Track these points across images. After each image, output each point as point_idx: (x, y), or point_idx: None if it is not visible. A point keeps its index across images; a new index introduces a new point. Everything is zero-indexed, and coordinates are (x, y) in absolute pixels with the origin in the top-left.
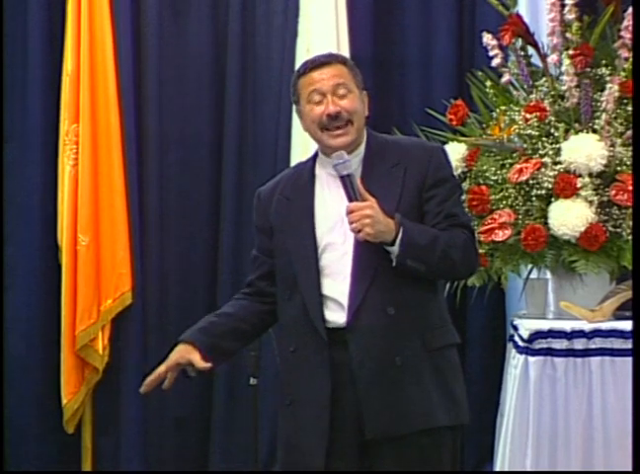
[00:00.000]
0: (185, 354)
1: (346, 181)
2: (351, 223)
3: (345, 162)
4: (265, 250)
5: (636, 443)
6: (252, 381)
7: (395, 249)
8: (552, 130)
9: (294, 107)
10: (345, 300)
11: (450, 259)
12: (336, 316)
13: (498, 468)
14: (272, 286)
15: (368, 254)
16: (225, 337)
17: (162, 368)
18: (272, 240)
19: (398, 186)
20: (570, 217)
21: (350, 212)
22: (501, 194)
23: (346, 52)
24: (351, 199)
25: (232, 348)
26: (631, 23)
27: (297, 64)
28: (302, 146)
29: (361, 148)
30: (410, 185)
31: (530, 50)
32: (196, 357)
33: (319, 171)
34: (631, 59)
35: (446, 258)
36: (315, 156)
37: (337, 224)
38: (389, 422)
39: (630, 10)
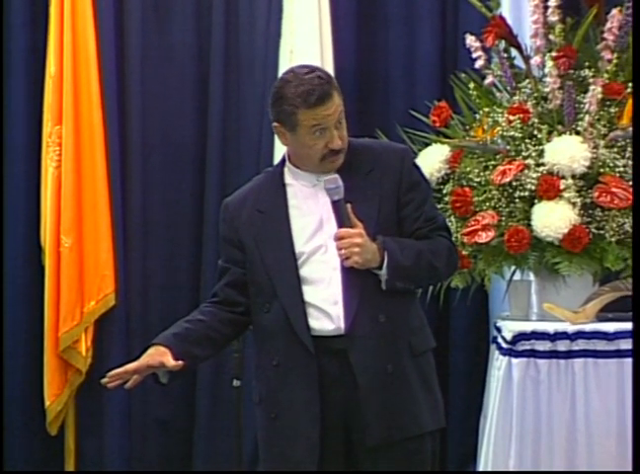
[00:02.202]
0: (157, 356)
1: (338, 205)
2: (339, 249)
3: (338, 187)
4: (234, 261)
5: (636, 443)
6: (235, 383)
7: (383, 273)
8: (535, 132)
9: (278, 126)
10: (329, 307)
11: (435, 269)
12: (321, 323)
13: (481, 469)
14: (241, 296)
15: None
16: (199, 344)
17: (132, 366)
18: (243, 253)
19: (376, 193)
20: (553, 219)
21: (339, 239)
22: (484, 195)
23: (329, 54)
24: (341, 225)
25: (204, 355)
26: (615, 25)
27: (281, 66)
28: (285, 149)
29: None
30: (387, 190)
31: (514, 52)
32: (168, 360)
33: (290, 180)
34: (614, 61)
35: (432, 269)
36: (282, 165)
37: (316, 233)
38: (388, 429)
39: (613, 12)
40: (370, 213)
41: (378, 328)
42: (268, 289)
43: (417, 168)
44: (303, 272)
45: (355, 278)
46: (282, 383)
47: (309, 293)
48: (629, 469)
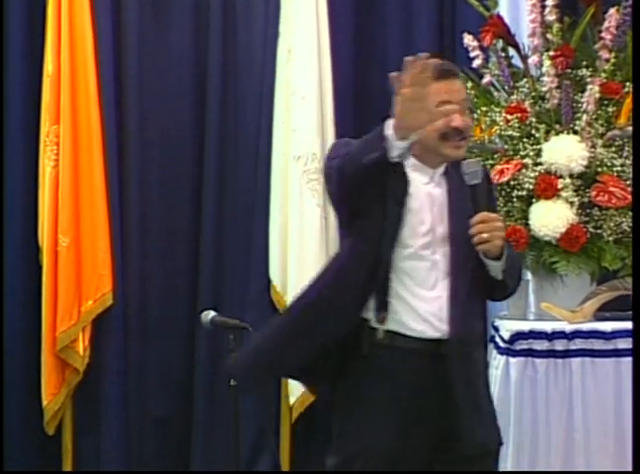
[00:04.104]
0: None
1: (478, 189)
2: (479, 233)
3: (478, 171)
4: None
5: (636, 443)
6: (233, 382)
7: (500, 264)
8: (533, 131)
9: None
10: (430, 310)
11: (520, 277)
12: (423, 326)
13: None
14: None
15: (463, 265)
16: None
17: None
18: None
19: (485, 197)
20: (551, 218)
21: (480, 222)
22: None
23: (326, 53)
24: (477, 209)
25: None
26: (612, 24)
27: (279, 65)
28: (283, 146)
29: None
30: (480, 198)
31: (511, 51)
32: None
33: (413, 175)
34: (612, 60)
35: (519, 276)
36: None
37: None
38: (482, 438)
39: (611, 11)
40: (469, 217)
41: (473, 335)
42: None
43: None
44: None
45: (463, 282)
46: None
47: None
48: (627, 469)
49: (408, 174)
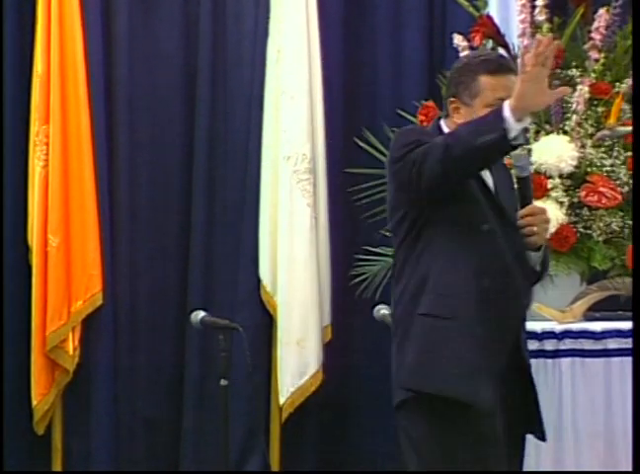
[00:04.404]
0: None
1: (526, 182)
2: (530, 225)
3: (527, 164)
4: None
5: (636, 443)
6: (222, 382)
7: (540, 254)
8: None
9: (453, 101)
10: None
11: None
12: None
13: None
14: None
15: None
16: None
17: None
18: None
19: (514, 191)
20: None
21: (531, 214)
22: None
23: (316, 54)
24: (526, 201)
25: None
26: (602, 24)
27: (268, 65)
28: (273, 146)
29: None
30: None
31: (501, 52)
32: None
33: None
34: (602, 61)
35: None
36: None
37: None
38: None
39: (600, 11)
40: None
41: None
42: None
43: None
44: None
45: (524, 269)
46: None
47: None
48: (620, 469)
49: None
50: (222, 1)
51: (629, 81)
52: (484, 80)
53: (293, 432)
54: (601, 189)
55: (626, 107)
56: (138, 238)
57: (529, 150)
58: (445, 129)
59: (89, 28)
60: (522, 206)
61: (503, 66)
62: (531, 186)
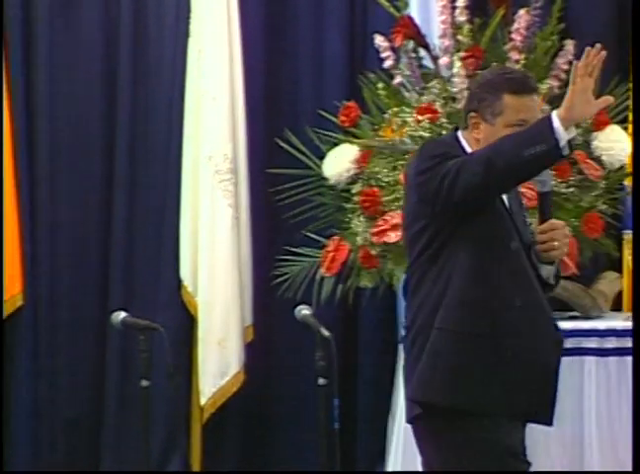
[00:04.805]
0: None
1: (546, 197)
2: (551, 241)
3: (548, 179)
4: None
5: (636, 443)
6: (143, 383)
7: (554, 268)
8: (444, 132)
9: (475, 116)
10: None
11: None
12: None
13: (390, 469)
14: None
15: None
16: None
17: None
18: None
19: (523, 206)
20: None
21: (552, 229)
22: (393, 195)
23: (238, 54)
24: (546, 217)
25: None
26: (522, 25)
27: (189, 65)
28: (194, 146)
29: None
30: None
31: (422, 52)
32: None
33: None
34: (522, 61)
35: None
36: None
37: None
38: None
39: (520, 12)
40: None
41: None
42: None
43: None
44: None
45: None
46: None
47: None
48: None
49: None
50: (143, 1)
51: (550, 82)
52: (508, 100)
53: (215, 432)
54: (522, 189)
55: (547, 107)
56: (59, 239)
57: None
58: (463, 141)
59: (8, 25)
60: (543, 221)
61: (527, 86)
62: (552, 201)
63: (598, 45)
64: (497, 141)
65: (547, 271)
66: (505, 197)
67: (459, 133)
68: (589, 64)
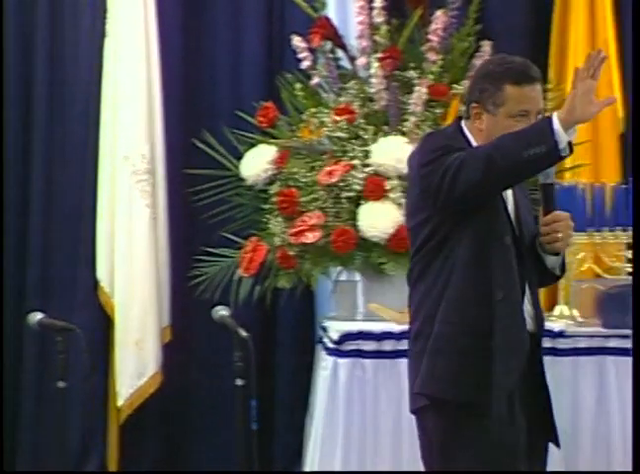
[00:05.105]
0: None
1: (550, 188)
2: (554, 232)
3: (550, 171)
4: None
5: (636, 443)
6: (60, 384)
7: (559, 258)
8: (361, 133)
9: (476, 107)
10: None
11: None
12: None
13: (308, 468)
14: None
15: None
16: None
17: None
18: None
19: (529, 197)
20: (379, 219)
21: (556, 221)
22: (310, 196)
23: (155, 54)
24: (550, 208)
25: None
26: (439, 26)
27: (106, 66)
28: (112, 147)
29: None
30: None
31: (340, 53)
32: None
33: None
34: (439, 62)
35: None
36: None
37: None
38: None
39: (437, 13)
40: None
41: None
42: None
43: None
44: None
45: (533, 275)
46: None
47: None
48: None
49: None
50: (59, 2)
51: (466, 83)
52: (509, 90)
53: (132, 432)
54: None
55: (463, 108)
56: None
57: None
58: (466, 131)
59: None
60: (546, 213)
61: (528, 76)
62: (555, 193)
63: (600, 49)
64: (497, 139)
65: (552, 261)
66: (509, 190)
67: (463, 123)
68: (589, 67)
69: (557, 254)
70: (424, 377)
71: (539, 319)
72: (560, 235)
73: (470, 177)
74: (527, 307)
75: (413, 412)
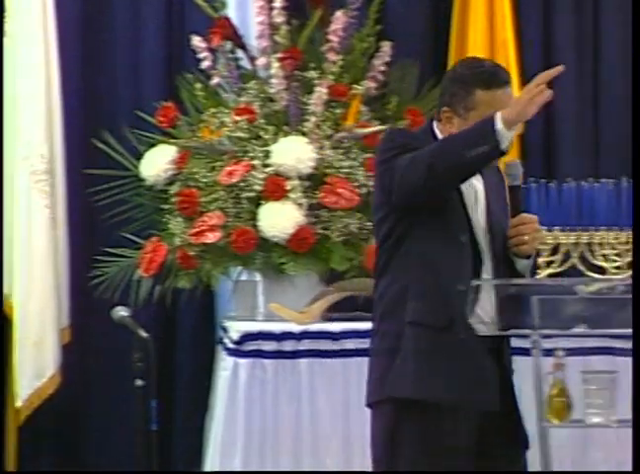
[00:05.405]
0: None
1: (517, 191)
2: (521, 235)
3: (519, 173)
4: None
5: (636, 443)
6: None
7: (528, 263)
8: (261, 133)
9: (447, 111)
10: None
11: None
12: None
13: (208, 469)
14: None
15: (501, 260)
16: None
17: None
18: None
19: (504, 196)
20: (279, 219)
21: (521, 224)
22: (211, 196)
23: (54, 53)
24: (517, 210)
25: None
26: (339, 27)
27: (5, 64)
28: (10, 146)
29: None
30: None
31: (240, 53)
32: None
33: None
34: (339, 63)
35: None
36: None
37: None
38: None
39: (337, 14)
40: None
41: None
42: None
43: None
44: None
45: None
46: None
47: None
48: (354, 467)
49: None
50: None
51: (366, 83)
52: (479, 95)
53: (31, 433)
54: (340, 190)
55: (364, 108)
56: None
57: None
58: (438, 134)
59: None
60: (513, 215)
61: (498, 79)
62: (523, 194)
63: (560, 67)
64: (441, 141)
65: (522, 265)
66: (481, 186)
67: (435, 126)
68: (548, 76)
69: (528, 257)
70: (390, 378)
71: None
72: (526, 238)
73: (413, 181)
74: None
75: (368, 405)
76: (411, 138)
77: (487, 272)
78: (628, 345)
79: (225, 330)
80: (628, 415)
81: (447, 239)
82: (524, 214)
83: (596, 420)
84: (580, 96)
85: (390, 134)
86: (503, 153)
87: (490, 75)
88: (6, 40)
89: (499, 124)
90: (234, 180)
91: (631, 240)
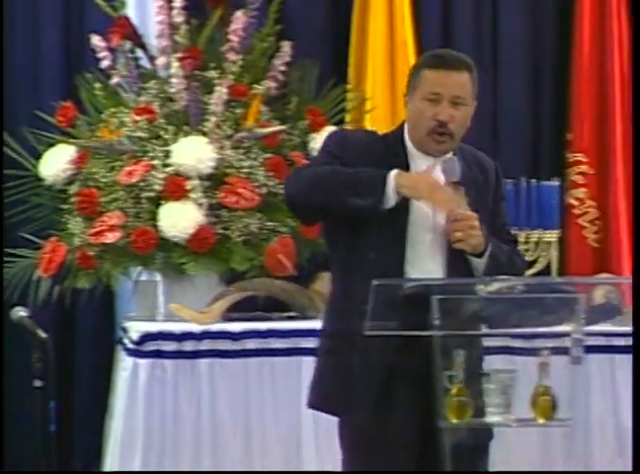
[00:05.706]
0: None
1: (455, 187)
2: (453, 231)
3: (455, 169)
4: None
5: (636, 443)
6: None
7: (482, 261)
8: (161, 133)
9: (405, 96)
10: None
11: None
12: None
13: (107, 469)
14: None
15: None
16: None
17: None
18: None
19: (489, 195)
20: (179, 219)
21: (455, 221)
22: (111, 196)
23: None
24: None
25: None
26: (239, 27)
27: None
28: None
29: (449, 155)
30: (491, 194)
31: (140, 52)
32: None
33: (417, 161)
34: (239, 63)
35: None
36: (402, 139)
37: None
38: None
39: (237, 14)
40: (484, 214)
41: None
42: None
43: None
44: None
45: (458, 264)
46: None
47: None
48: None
49: (410, 162)
50: None
51: (267, 83)
52: (425, 73)
53: None
54: (240, 190)
55: (264, 108)
56: None
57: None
58: (405, 127)
59: None
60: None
61: (445, 61)
62: (460, 190)
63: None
64: (331, 174)
65: (476, 263)
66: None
67: (405, 126)
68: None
69: (481, 255)
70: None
71: None
72: (459, 234)
73: (292, 201)
74: None
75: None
76: (339, 145)
77: (438, 273)
78: (527, 344)
79: (125, 330)
80: (527, 414)
81: (357, 256)
82: (462, 211)
83: (495, 419)
84: (479, 94)
85: (330, 133)
86: (380, 211)
87: (438, 57)
88: None
89: (389, 187)
90: (134, 180)
91: (531, 240)
